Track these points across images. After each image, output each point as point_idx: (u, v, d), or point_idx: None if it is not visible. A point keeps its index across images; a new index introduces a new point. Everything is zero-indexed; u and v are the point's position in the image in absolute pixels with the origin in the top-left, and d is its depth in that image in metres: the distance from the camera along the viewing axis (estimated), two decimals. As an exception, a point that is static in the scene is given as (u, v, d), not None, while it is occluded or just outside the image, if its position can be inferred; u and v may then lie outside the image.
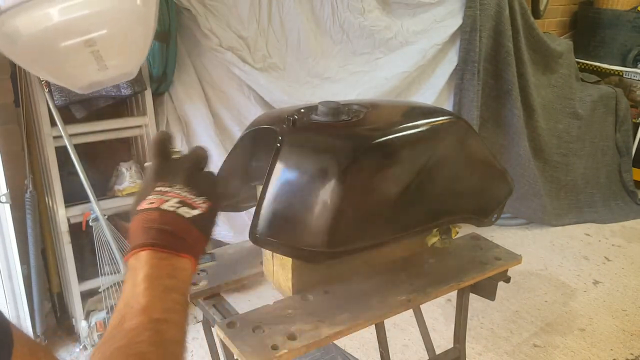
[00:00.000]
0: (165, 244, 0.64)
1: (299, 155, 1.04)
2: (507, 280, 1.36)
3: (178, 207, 0.67)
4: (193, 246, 0.67)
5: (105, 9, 0.59)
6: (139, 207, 0.67)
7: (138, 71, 0.73)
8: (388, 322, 1.23)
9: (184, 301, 0.63)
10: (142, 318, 0.58)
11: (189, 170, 0.73)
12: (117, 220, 2.24)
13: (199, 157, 0.76)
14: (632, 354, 2.30)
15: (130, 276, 0.62)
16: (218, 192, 0.75)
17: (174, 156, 0.74)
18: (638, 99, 3.87)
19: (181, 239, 0.66)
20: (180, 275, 0.64)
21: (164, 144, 0.74)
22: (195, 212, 0.68)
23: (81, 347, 2.18)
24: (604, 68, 3.93)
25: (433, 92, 2.86)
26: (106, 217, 2.07)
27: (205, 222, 0.70)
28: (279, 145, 1.02)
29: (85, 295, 2.19)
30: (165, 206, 0.66)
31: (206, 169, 0.77)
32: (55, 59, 0.63)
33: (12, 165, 2.02)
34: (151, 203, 0.67)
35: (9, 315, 2.01)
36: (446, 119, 1.21)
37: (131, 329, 0.57)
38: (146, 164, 0.75)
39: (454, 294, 1.37)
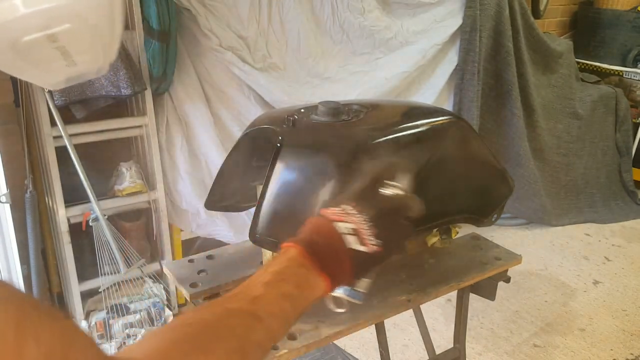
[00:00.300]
0: (315, 254, 0.63)
1: (299, 156, 1.04)
2: (507, 280, 1.36)
3: (349, 234, 0.66)
4: (337, 273, 0.65)
5: (66, 3, 0.58)
6: (324, 210, 0.68)
7: (107, 68, 0.71)
8: (388, 322, 1.23)
9: (294, 316, 0.63)
10: (243, 304, 0.57)
11: (386, 209, 0.70)
12: (118, 220, 2.24)
13: (406, 205, 0.71)
14: (632, 354, 2.30)
15: (271, 262, 0.63)
16: (401, 245, 0.72)
17: (385, 191, 0.71)
18: (638, 99, 3.87)
19: (330, 261, 0.64)
20: (306, 290, 0.63)
21: (383, 176, 0.72)
22: (361, 247, 0.66)
23: (81, 347, 2.17)
24: (604, 68, 3.93)
25: (433, 92, 2.86)
26: (106, 217, 2.07)
27: (363, 262, 0.67)
28: (279, 145, 1.02)
29: (85, 295, 2.19)
30: (341, 226, 0.66)
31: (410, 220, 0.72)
32: (21, 55, 0.62)
33: (12, 165, 2.02)
34: (333, 216, 0.67)
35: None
36: (446, 119, 1.21)
37: (227, 308, 0.56)
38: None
39: (454, 294, 1.37)
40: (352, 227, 0.66)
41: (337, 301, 0.73)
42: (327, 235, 0.65)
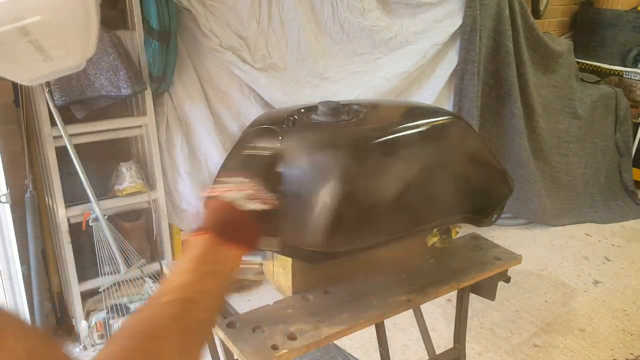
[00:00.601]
0: (220, 232, 0.69)
1: (298, 156, 1.04)
2: (507, 280, 1.36)
3: (245, 200, 0.71)
4: (248, 238, 0.72)
5: None
6: (212, 192, 0.73)
7: (84, 64, 0.71)
8: (388, 322, 1.23)
9: (222, 287, 0.68)
10: (175, 295, 0.62)
11: (266, 167, 0.79)
12: (118, 220, 2.24)
13: (276, 157, 0.81)
14: (632, 354, 2.30)
15: (184, 254, 0.68)
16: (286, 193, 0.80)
17: (254, 152, 0.79)
18: (638, 99, 3.87)
19: (237, 230, 0.70)
20: (225, 262, 0.68)
21: (246, 140, 0.80)
22: (261, 206, 0.72)
23: (81, 347, 2.18)
24: (604, 68, 3.93)
25: (433, 92, 2.86)
26: (106, 217, 2.07)
27: (269, 218, 0.74)
28: (279, 145, 1.02)
29: (86, 295, 2.19)
30: (233, 196, 0.71)
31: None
32: None
33: (12, 165, 2.02)
34: (221, 191, 0.72)
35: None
36: (446, 119, 1.21)
37: (161, 303, 0.61)
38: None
39: (454, 294, 1.37)
40: (247, 192, 0.72)
41: (254, 270, 0.82)
42: (225, 210, 0.71)
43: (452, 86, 2.94)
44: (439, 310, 2.49)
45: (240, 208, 0.71)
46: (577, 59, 3.72)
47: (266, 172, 0.78)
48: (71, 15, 0.62)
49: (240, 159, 0.77)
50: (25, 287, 2.01)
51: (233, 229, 0.70)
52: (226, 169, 1.25)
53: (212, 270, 0.66)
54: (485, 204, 1.25)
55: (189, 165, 2.31)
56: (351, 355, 1.89)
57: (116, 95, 2.01)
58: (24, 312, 2.03)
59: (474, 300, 1.38)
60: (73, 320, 2.23)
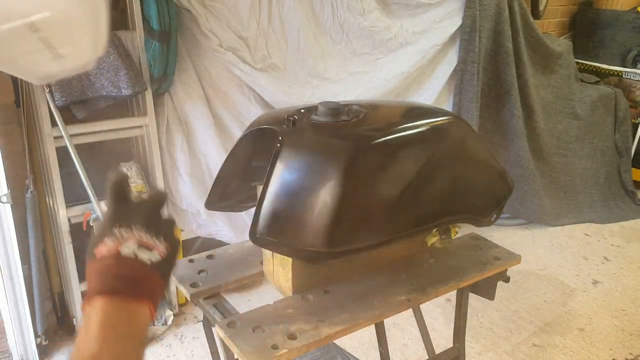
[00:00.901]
0: (121, 290, 0.62)
1: (299, 156, 1.05)
2: (507, 280, 1.36)
3: (137, 252, 0.65)
4: (152, 291, 0.65)
5: None
6: (97, 252, 0.65)
7: (94, 63, 0.70)
8: (388, 322, 1.23)
9: (139, 346, 0.62)
10: None
11: (149, 212, 0.71)
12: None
13: (158, 199, 0.74)
14: (631, 353, 2.31)
15: (85, 324, 0.61)
16: (177, 235, 0.73)
17: (133, 198, 0.72)
18: (637, 99, 3.87)
19: (139, 285, 0.64)
20: (136, 321, 0.63)
21: (121, 185, 0.71)
22: (155, 256, 0.66)
23: (81, 346, 2.18)
24: (603, 68, 3.94)
25: (433, 92, 2.86)
26: (106, 217, 2.07)
27: (165, 266, 0.67)
28: (279, 145, 1.03)
29: (86, 295, 2.19)
30: (124, 251, 0.64)
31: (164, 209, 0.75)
32: (5, 45, 0.61)
33: (12, 165, 2.02)
34: (109, 248, 0.64)
35: (10, 315, 2.02)
36: (446, 119, 1.21)
37: None
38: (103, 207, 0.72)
39: (453, 294, 1.38)
40: (135, 243, 0.65)
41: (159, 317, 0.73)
42: (119, 267, 0.64)
43: (451, 86, 2.94)
44: (438, 310, 2.49)
45: (135, 261, 0.64)
46: (576, 60, 3.73)
47: (151, 216, 0.70)
48: (81, 12, 0.61)
49: (124, 208, 0.71)
50: (26, 287, 2.01)
51: (134, 284, 0.63)
52: (224, 172, 1.26)
53: (125, 331, 0.61)
54: (484, 204, 1.26)
55: (189, 165, 2.32)
56: (351, 355, 1.89)
57: (117, 96, 2.01)
58: (25, 312, 2.03)
59: (474, 299, 1.38)
60: (74, 319, 2.23)
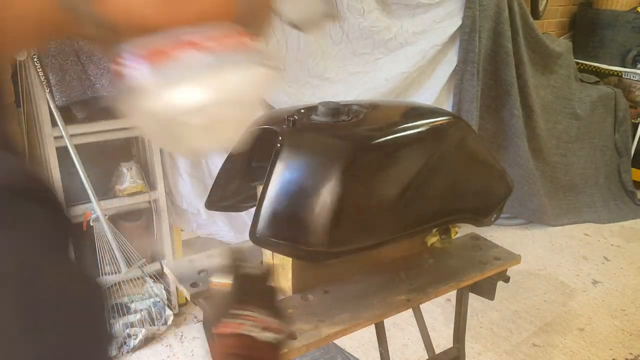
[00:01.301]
0: None
1: (299, 156, 1.05)
2: (507, 280, 1.36)
3: (260, 332, 0.68)
4: None
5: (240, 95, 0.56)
6: (219, 331, 0.68)
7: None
8: (388, 322, 1.24)
9: None
10: None
11: (264, 290, 0.74)
12: (118, 220, 2.25)
13: (267, 276, 0.77)
14: (631, 353, 2.31)
15: None
16: (282, 307, 0.76)
17: (248, 273, 0.75)
18: (637, 99, 3.87)
19: None
20: None
21: (237, 263, 0.75)
22: (272, 335, 0.69)
23: (82, 346, 2.18)
24: (603, 68, 3.94)
25: (433, 92, 2.86)
26: (107, 217, 2.07)
27: (281, 343, 0.71)
28: (279, 145, 1.03)
29: (86, 295, 2.19)
30: (247, 330, 0.67)
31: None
32: (168, 128, 0.59)
33: (12, 165, 2.02)
34: (235, 327, 0.68)
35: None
36: (446, 120, 1.21)
37: None
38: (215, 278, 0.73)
39: (453, 294, 1.38)
40: (259, 325, 0.68)
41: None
42: (242, 346, 0.67)
43: (451, 87, 2.94)
44: (438, 310, 2.49)
45: (257, 342, 0.68)
46: (576, 60, 3.73)
47: (268, 300, 0.74)
48: (244, 107, 0.60)
49: (243, 287, 0.74)
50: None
51: None
52: (224, 172, 1.26)
53: None
54: (484, 204, 1.26)
55: (189, 165, 2.32)
56: (351, 355, 1.89)
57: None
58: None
59: (474, 299, 1.38)
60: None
